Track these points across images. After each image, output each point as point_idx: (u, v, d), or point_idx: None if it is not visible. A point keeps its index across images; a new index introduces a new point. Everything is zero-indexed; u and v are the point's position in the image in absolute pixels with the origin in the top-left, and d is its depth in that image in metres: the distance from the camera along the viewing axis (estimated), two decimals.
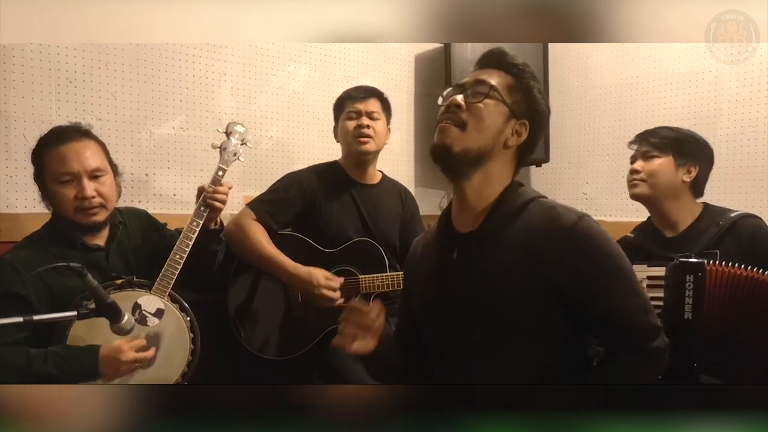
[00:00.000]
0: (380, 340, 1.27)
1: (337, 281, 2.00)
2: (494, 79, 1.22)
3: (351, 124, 2.14)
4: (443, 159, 1.21)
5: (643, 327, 1.18)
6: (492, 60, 1.26)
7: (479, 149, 1.19)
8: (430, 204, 3.10)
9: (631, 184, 1.90)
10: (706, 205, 1.89)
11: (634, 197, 1.91)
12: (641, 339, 1.17)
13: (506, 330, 1.18)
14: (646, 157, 1.87)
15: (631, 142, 1.94)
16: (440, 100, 1.26)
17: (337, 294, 1.98)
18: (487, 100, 1.19)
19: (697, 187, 1.87)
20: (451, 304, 1.24)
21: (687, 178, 1.84)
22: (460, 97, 1.20)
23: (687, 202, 1.86)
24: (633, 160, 1.92)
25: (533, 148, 1.28)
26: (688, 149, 1.85)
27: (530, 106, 1.24)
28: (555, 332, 1.19)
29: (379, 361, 1.31)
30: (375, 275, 2.04)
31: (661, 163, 1.84)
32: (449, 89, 1.27)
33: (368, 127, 2.12)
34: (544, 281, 1.15)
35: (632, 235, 1.95)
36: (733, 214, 1.80)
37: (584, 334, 1.25)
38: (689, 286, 1.58)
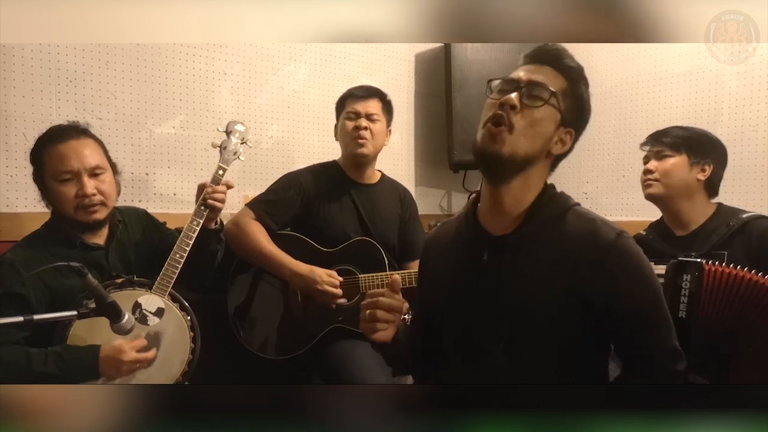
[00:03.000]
0: (397, 329, 1.24)
1: (338, 279, 2.00)
2: (552, 82, 1.14)
3: (349, 125, 2.12)
4: (490, 164, 1.14)
5: (667, 350, 1.15)
6: (548, 57, 1.18)
7: (526, 155, 1.13)
8: (430, 204, 3.09)
9: (645, 185, 1.87)
10: (719, 206, 1.86)
11: (649, 197, 1.88)
12: (665, 361, 1.15)
13: (530, 335, 1.15)
14: (660, 156, 1.84)
15: (642, 144, 1.91)
16: (489, 92, 1.17)
17: (339, 291, 1.98)
18: (544, 107, 1.12)
19: (712, 186, 1.85)
20: (479, 304, 1.20)
21: (701, 177, 1.82)
22: (515, 96, 1.11)
23: (700, 201, 1.84)
24: (646, 160, 1.90)
25: (566, 155, 1.22)
26: (702, 148, 1.83)
27: (579, 115, 1.19)
28: (576, 344, 1.16)
29: (394, 349, 1.27)
30: (375, 274, 2.04)
31: (675, 162, 1.82)
32: (499, 82, 1.17)
33: (366, 129, 2.10)
34: (574, 293, 1.12)
35: (644, 233, 1.93)
36: (745, 215, 1.76)
37: (605, 352, 1.22)
38: (686, 284, 1.57)
